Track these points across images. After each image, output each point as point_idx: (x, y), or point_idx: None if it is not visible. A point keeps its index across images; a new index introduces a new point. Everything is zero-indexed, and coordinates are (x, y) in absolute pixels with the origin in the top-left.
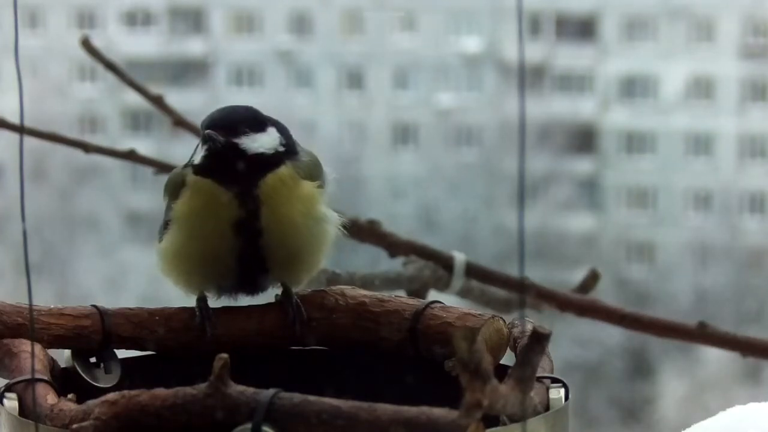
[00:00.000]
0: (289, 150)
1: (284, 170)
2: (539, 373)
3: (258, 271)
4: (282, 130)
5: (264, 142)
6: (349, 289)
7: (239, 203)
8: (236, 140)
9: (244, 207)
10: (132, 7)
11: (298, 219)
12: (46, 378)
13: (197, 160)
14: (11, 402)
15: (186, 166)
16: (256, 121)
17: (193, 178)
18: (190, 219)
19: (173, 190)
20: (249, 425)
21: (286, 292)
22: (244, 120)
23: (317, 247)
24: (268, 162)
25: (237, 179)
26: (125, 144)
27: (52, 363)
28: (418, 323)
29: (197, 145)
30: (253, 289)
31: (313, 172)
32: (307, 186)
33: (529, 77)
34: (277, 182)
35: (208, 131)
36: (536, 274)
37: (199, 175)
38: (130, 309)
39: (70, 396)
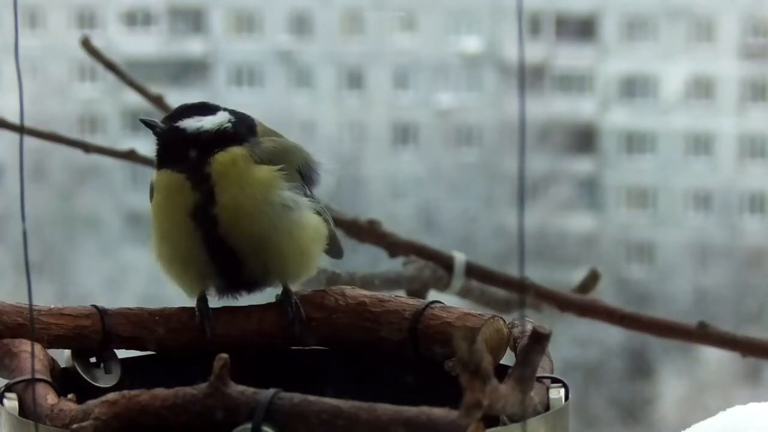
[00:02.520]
0: (238, 132)
1: (236, 150)
2: (539, 373)
3: (234, 265)
4: (239, 116)
5: (208, 121)
6: (349, 289)
7: (192, 185)
8: (176, 123)
9: (198, 189)
10: (132, 7)
11: (250, 203)
12: (46, 378)
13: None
14: (11, 402)
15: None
16: (205, 108)
17: (155, 174)
18: (158, 215)
19: (150, 194)
20: (249, 425)
21: (286, 291)
22: (191, 108)
23: (286, 234)
24: (216, 141)
25: (187, 160)
26: (125, 144)
27: (52, 363)
28: (418, 323)
29: None
30: (248, 286)
31: (277, 157)
32: (264, 170)
33: (529, 77)
34: (227, 161)
35: (143, 119)
36: (536, 274)
37: (158, 168)
38: (130, 309)
39: (70, 396)
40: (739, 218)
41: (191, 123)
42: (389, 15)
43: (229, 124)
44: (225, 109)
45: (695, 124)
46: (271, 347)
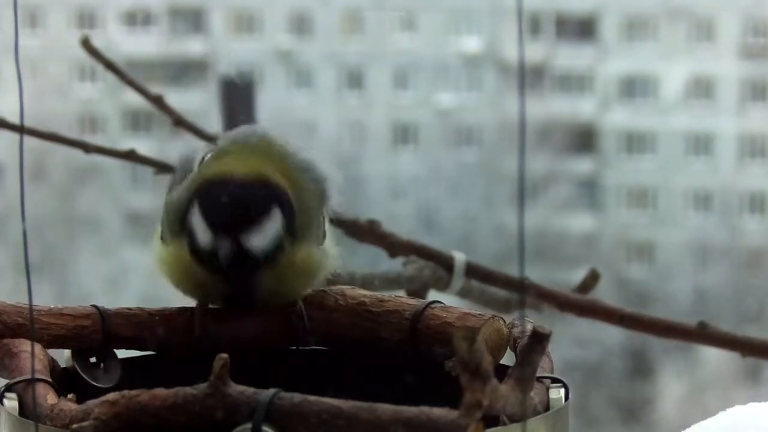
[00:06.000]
0: (290, 224)
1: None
2: (539, 373)
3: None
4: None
5: (267, 235)
6: (349, 289)
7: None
8: (247, 245)
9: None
10: (132, 7)
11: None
12: (46, 378)
13: (201, 239)
14: (11, 402)
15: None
16: (264, 208)
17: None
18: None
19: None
20: (249, 425)
21: None
22: (254, 215)
23: (314, 282)
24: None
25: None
26: (125, 144)
27: (52, 363)
28: (418, 323)
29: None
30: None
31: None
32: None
33: (529, 77)
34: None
35: (222, 254)
36: (536, 274)
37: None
38: (129, 309)
39: (70, 396)
40: (739, 218)
41: (257, 243)
42: (389, 15)
43: (284, 230)
44: (275, 198)
45: (695, 124)
46: (271, 347)
